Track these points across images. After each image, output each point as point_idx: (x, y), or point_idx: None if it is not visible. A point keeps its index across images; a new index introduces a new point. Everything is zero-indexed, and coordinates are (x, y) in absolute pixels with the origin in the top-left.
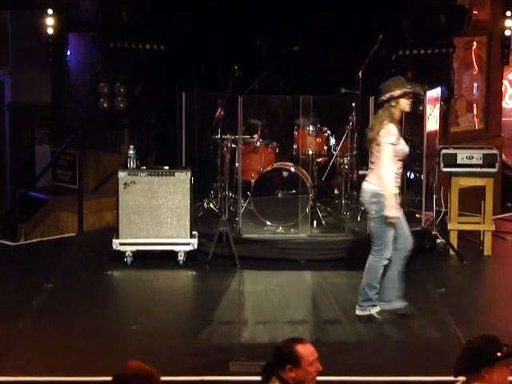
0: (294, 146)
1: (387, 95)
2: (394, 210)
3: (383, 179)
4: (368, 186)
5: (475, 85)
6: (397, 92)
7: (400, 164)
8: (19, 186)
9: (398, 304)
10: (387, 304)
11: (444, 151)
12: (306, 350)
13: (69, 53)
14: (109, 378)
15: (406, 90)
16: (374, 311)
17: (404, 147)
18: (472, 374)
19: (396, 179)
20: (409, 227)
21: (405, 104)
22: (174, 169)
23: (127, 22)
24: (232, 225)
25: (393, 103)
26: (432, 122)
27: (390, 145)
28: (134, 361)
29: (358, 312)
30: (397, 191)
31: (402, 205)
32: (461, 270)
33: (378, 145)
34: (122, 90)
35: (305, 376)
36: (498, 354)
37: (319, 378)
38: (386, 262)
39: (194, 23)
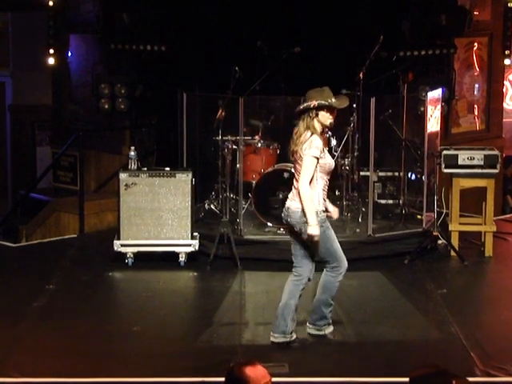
0: None
1: (305, 104)
2: (316, 228)
3: (301, 193)
4: (296, 204)
5: (476, 85)
6: (314, 103)
7: (326, 178)
8: (20, 188)
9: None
10: (282, 336)
11: (445, 152)
12: (257, 374)
13: (70, 54)
14: (110, 379)
15: (323, 102)
16: (328, 331)
17: (330, 161)
18: None
19: (324, 195)
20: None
21: (324, 118)
22: (175, 170)
23: (128, 24)
24: (233, 226)
25: (311, 114)
26: (433, 123)
27: (312, 158)
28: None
29: (312, 331)
30: (322, 208)
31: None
32: (462, 271)
33: (301, 158)
34: (122, 91)
35: None
36: None
37: (320, 379)
38: (341, 278)
39: (195, 25)
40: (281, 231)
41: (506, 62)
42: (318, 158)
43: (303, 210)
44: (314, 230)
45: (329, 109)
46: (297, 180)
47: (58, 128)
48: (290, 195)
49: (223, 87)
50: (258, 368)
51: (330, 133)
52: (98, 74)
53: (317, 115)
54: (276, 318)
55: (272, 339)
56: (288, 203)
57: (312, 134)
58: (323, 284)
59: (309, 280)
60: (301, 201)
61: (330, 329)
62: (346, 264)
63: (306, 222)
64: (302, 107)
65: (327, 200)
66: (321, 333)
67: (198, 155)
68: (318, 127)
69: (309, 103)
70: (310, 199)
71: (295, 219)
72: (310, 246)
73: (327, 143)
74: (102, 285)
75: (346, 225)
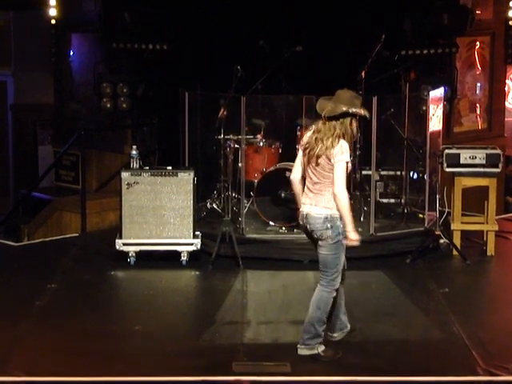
0: (297, 146)
1: (353, 109)
2: (356, 233)
3: (341, 199)
4: (318, 210)
5: (478, 85)
6: (361, 112)
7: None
8: (22, 187)
9: (320, 349)
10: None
11: (447, 151)
12: None
13: (71, 53)
14: (112, 379)
15: (366, 114)
16: (320, 350)
17: (351, 164)
18: None
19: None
20: None
21: (354, 126)
22: (177, 169)
23: (129, 23)
24: (235, 225)
25: (351, 121)
26: (435, 122)
27: (345, 163)
28: None
29: (304, 352)
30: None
31: None
32: (464, 270)
33: (329, 162)
34: (124, 90)
35: None
36: None
37: (321, 378)
38: (335, 294)
39: (197, 23)
40: (283, 230)
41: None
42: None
43: (326, 216)
44: (354, 235)
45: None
46: (314, 183)
47: (60, 127)
48: (307, 200)
49: (225, 86)
50: None
51: None
52: (99, 73)
53: (355, 121)
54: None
55: (309, 353)
56: (307, 209)
57: (342, 139)
58: (317, 300)
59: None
60: (323, 206)
61: (323, 347)
62: (340, 280)
63: (330, 229)
64: (351, 111)
65: None
66: (314, 352)
67: (200, 154)
68: (350, 134)
69: (355, 110)
70: (348, 204)
71: (317, 225)
72: (327, 255)
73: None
74: (104, 284)
75: None
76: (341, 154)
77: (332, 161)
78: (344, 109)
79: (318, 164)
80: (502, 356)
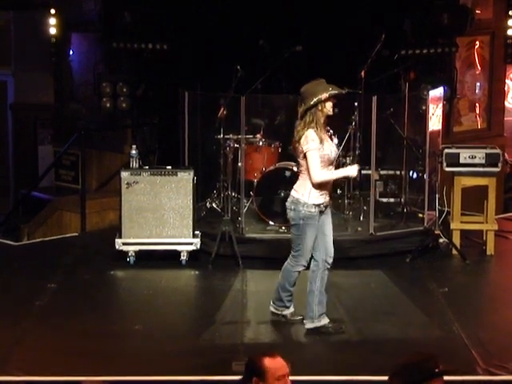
0: None
1: (315, 99)
2: (349, 169)
3: (321, 182)
4: (292, 192)
5: (478, 84)
6: (324, 95)
7: (326, 170)
8: (22, 186)
9: (323, 321)
10: (311, 321)
11: (447, 151)
12: (274, 365)
13: (71, 53)
14: (111, 378)
15: (332, 92)
16: (286, 312)
17: (329, 152)
18: None
19: (323, 186)
20: (332, 239)
21: (329, 107)
22: (177, 169)
23: (129, 22)
24: (235, 224)
25: (319, 107)
26: (434, 122)
27: (314, 152)
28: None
29: (272, 309)
30: (323, 201)
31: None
32: (463, 270)
33: (302, 152)
34: (124, 90)
35: None
36: (436, 370)
37: (321, 378)
38: (300, 269)
39: (197, 23)
40: (282, 230)
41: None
42: (317, 150)
43: (293, 199)
44: (350, 171)
45: (333, 97)
46: (301, 172)
47: (60, 127)
48: (295, 186)
49: (225, 86)
50: (277, 360)
51: (331, 131)
52: (99, 73)
53: (324, 106)
54: (305, 305)
55: (305, 327)
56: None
57: (309, 128)
58: (282, 269)
59: (328, 264)
60: (295, 189)
61: (289, 311)
62: (305, 263)
63: (293, 210)
64: (312, 103)
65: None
66: (278, 312)
67: (200, 154)
68: (321, 119)
69: (319, 97)
70: (328, 176)
71: (287, 204)
72: (293, 234)
73: (328, 135)
74: (104, 283)
75: (347, 223)
76: (307, 144)
77: (302, 150)
78: (305, 107)
79: (296, 153)
80: (501, 355)
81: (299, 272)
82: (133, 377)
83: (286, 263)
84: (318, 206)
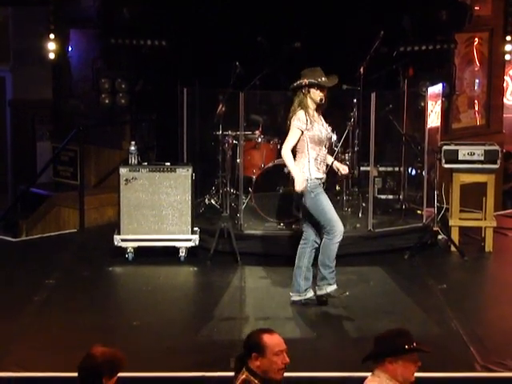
0: None
1: (298, 82)
2: (299, 176)
3: (282, 154)
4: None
5: (477, 81)
6: (305, 81)
7: (319, 149)
8: (20, 182)
9: (309, 295)
10: (297, 295)
11: (445, 147)
12: (273, 341)
13: (70, 49)
14: None
15: (311, 80)
16: (329, 289)
17: (319, 132)
18: (377, 362)
19: (319, 164)
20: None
21: (315, 95)
22: (176, 165)
23: (128, 18)
24: (233, 221)
25: (303, 91)
26: (433, 118)
27: (296, 129)
28: (97, 347)
29: (318, 292)
30: (322, 176)
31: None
32: (462, 266)
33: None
34: (123, 86)
35: (269, 366)
36: (406, 346)
37: (320, 374)
38: (339, 238)
39: (196, 20)
40: (281, 226)
41: (507, 57)
42: (302, 130)
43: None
44: (298, 178)
45: (319, 87)
46: (297, 152)
47: (59, 123)
48: None
49: (223, 82)
50: (274, 336)
51: (330, 128)
52: (98, 69)
53: (308, 92)
54: (292, 279)
55: (291, 299)
56: None
57: (301, 109)
58: (321, 246)
59: (317, 244)
60: (301, 169)
61: (332, 288)
62: (340, 227)
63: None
64: (295, 84)
65: (335, 162)
66: (322, 292)
67: (199, 150)
68: (311, 104)
69: (301, 81)
70: (288, 158)
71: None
72: (312, 213)
73: (321, 119)
74: (102, 280)
75: (346, 220)
76: (293, 121)
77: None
78: (297, 82)
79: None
80: (499, 352)
81: (338, 243)
82: (130, 373)
83: (322, 241)
84: (319, 179)
